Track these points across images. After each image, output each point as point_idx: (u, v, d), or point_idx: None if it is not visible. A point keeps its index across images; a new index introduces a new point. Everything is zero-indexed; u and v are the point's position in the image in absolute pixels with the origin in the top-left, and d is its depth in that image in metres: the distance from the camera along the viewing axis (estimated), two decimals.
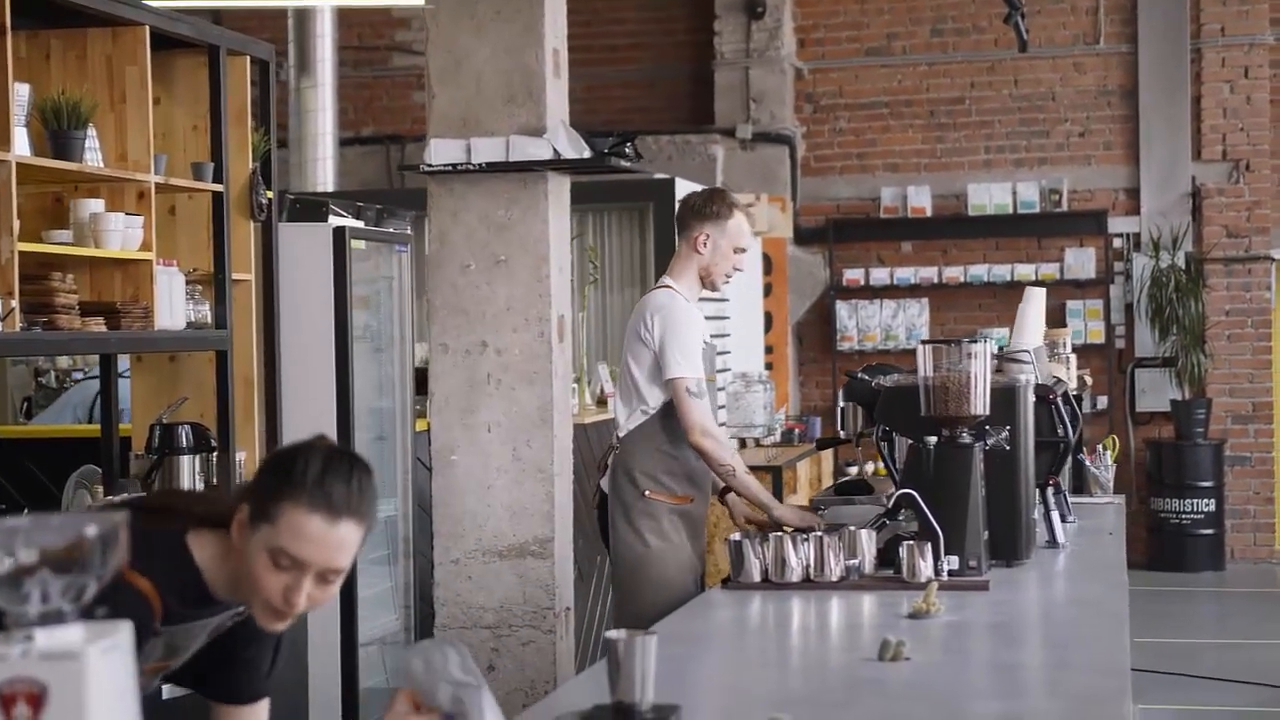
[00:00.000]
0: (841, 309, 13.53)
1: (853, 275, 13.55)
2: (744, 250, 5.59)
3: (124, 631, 1.83)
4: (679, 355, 5.33)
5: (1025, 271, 13.20)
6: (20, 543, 1.81)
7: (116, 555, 1.83)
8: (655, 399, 5.40)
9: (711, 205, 5.54)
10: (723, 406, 10.25)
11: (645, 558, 5.40)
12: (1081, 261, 13.25)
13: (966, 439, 4.59)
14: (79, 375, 8.84)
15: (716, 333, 10.44)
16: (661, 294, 5.52)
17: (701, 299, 8.98)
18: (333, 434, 6.57)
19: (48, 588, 1.82)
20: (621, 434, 5.50)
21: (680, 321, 5.38)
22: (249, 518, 2.72)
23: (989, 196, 13.35)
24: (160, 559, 2.76)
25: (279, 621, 2.77)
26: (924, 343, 4.66)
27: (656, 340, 5.36)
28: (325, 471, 2.69)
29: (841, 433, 5.35)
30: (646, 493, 5.42)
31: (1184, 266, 12.95)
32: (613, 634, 2.83)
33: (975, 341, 4.61)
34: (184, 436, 5.73)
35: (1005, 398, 4.75)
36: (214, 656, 2.95)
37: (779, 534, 4.50)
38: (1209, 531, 12.84)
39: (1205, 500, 12.81)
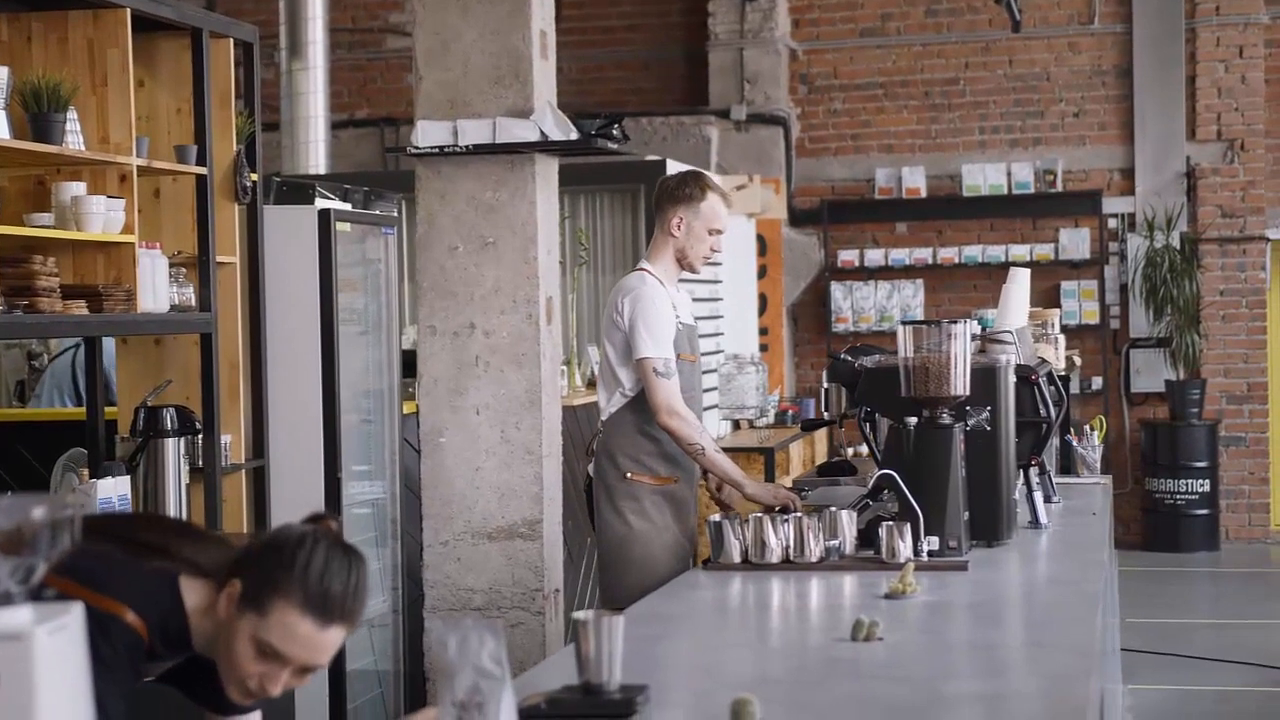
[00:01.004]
0: (836, 290, 13.53)
1: (847, 256, 13.54)
2: (719, 232, 5.57)
3: (74, 612, 1.84)
4: (646, 336, 5.36)
5: (1020, 252, 13.19)
6: None
7: (64, 538, 1.83)
8: (632, 382, 5.43)
9: (685, 188, 5.54)
10: (714, 389, 10.27)
11: (628, 539, 5.43)
12: (1076, 242, 13.24)
13: (947, 419, 4.60)
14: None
15: (709, 314, 10.46)
16: (633, 277, 5.54)
17: (695, 280, 9.01)
18: (319, 416, 6.59)
19: None
20: (603, 417, 5.53)
21: (648, 302, 5.40)
22: (240, 595, 2.69)
23: (983, 177, 13.34)
24: (153, 599, 2.74)
25: (248, 699, 2.75)
26: (904, 323, 4.67)
27: (626, 322, 5.40)
28: (325, 570, 2.68)
29: (825, 414, 5.34)
30: (628, 474, 5.45)
31: (1179, 247, 12.94)
32: (580, 615, 2.84)
33: (955, 323, 4.61)
34: (169, 419, 5.73)
35: (986, 378, 4.75)
36: (202, 664, 2.90)
37: (758, 515, 4.50)
38: (1204, 512, 12.85)
39: (1200, 481, 12.81)
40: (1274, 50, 13.27)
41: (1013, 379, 4.93)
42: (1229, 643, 9.51)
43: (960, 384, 4.58)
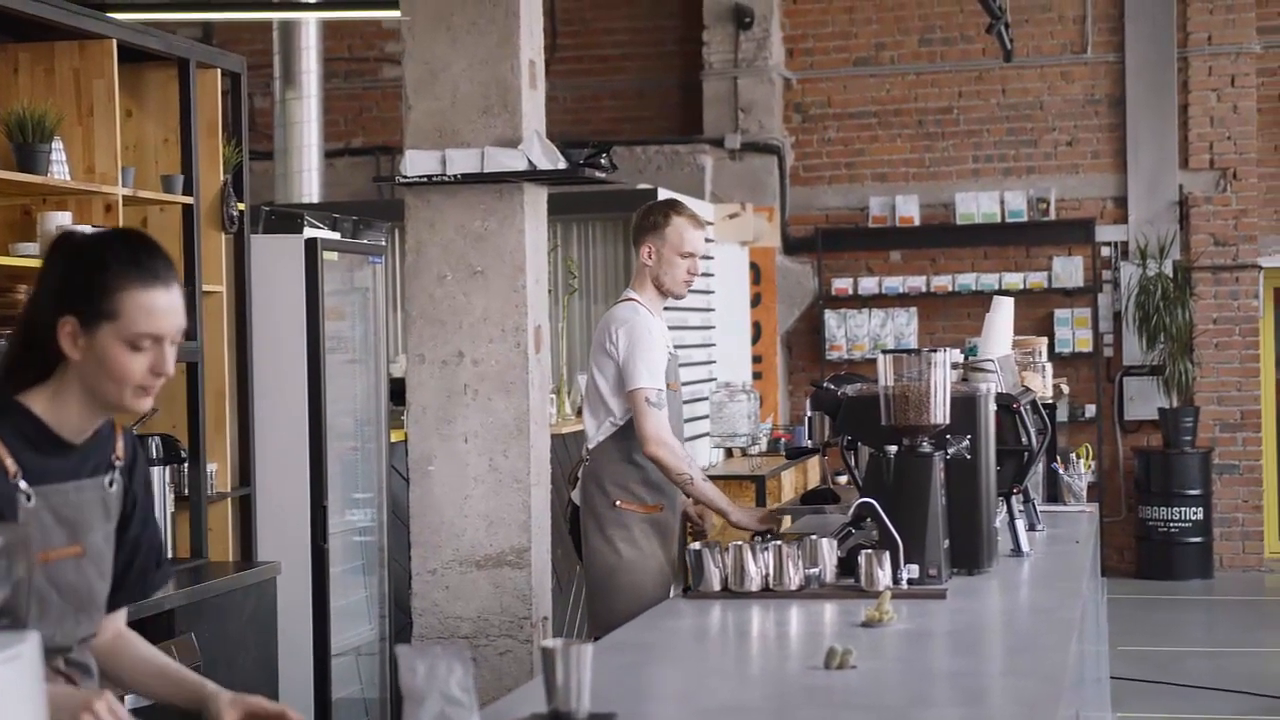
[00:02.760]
0: (830, 318, 13.55)
1: (841, 284, 13.57)
2: (691, 255, 5.64)
3: (29, 642, 1.85)
4: (642, 367, 5.43)
5: (1013, 280, 13.21)
6: None
7: (20, 566, 1.85)
8: (622, 411, 5.49)
9: (649, 217, 5.67)
10: (704, 417, 10.28)
11: (618, 567, 5.47)
12: (1069, 270, 13.26)
13: (926, 448, 4.61)
14: None
15: (701, 342, 10.48)
16: (624, 308, 5.61)
17: (688, 308, 9.02)
18: (305, 444, 6.60)
19: None
20: (591, 445, 5.59)
21: (642, 332, 5.49)
22: (80, 325, 2.80)
23: (977, 205, 13.37)
24: (3, 421, 2.82)
25: (145, 399, 2.86)
26: (884, 352, 4.68)
27: (621, 353, 5.47)
28: (132, 251, 2.83)
29: (808, 442, 5.37)
30: (617, 503, 5.52)
31: (1171, 275, 12.96)
32: (548, 643, 2.85)
33: (935, 351, 4.62)
34: (154, 448, 5.74)
35: (966, 407, 4.76)
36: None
37: (738, 543, 4.51)
38: (1197, 540, 12.85)
39: (1193, 508, 12.81)
40: (1266, 79, 13.31)
41: (993, 407, 4.94)
42: (1221, 670, 9.50)
43: (940, 413, 4.59)
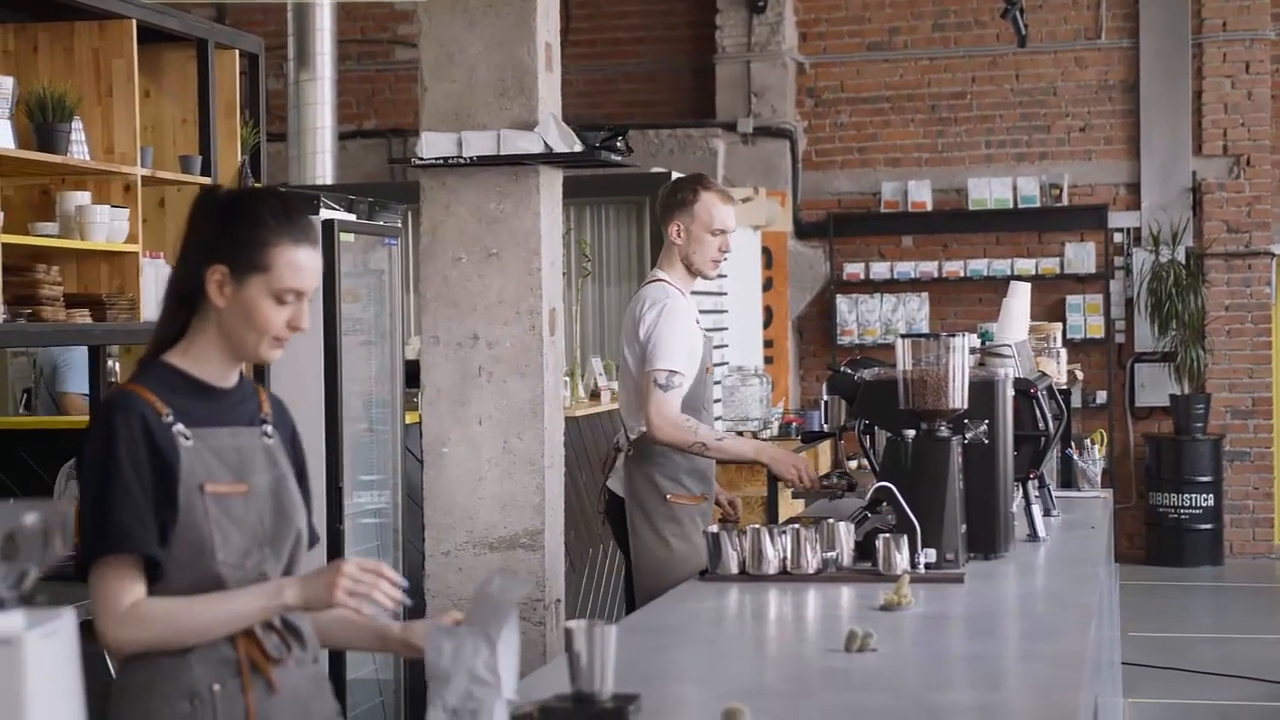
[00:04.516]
0: (842, 303, 13.55)
1: (853, 269, 13.56)
2: (722, 232, 5.50)
3: (65, 618, 1.86)
4: (659, 348, 5.33)
5: (1025, 266, 13.21)
6: None
7: (57, 543, 1.86)
8: None
9: (676, 194, 5.52)
10: (718, 400, 10.27)
11: (669, 562, 5.35)
12: (1081, 256, 13.25)
13: (944, 432, 4.61)
14: None
15: (714, 326, 10.48)
16: (654, 288, 5.49)
17: (700, 292, 9.01)
18: (321, 426, 6.61)
19: None
20: (633, 435, 5.45)
21: (670, 314, 5.36)
22: (229, 274, 2.94)
23: (989, 191, 13.36)
24: (147, 375, 2.99)
25: (277, 350, 3.02)
26: (903, 336, 4.67)
27: (645, 333, 5.36)
28: (285, 210, 2.98)
29: (824, 426, 5.35)
30: (669, 496, 5.39)
31: (1184, 261, 12.95)
32: (571, 624, 2.85)
33: (954, 336, 4.62)
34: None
35: (984, 391, 4.76)
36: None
37: (756, 526, 4.52)
38: (1207, 526, 12.85)
39: (1204, 495, 12.81)
40: None
41: (1011, 392, 4.94)
42: (1230, 657, 9.51)
43: (958, 397, 4.59)
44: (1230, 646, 10.00)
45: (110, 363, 6.50)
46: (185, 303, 3.00)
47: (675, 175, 10.32)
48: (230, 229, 2.96)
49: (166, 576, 2.92)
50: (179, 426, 2.94)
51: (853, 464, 10.86)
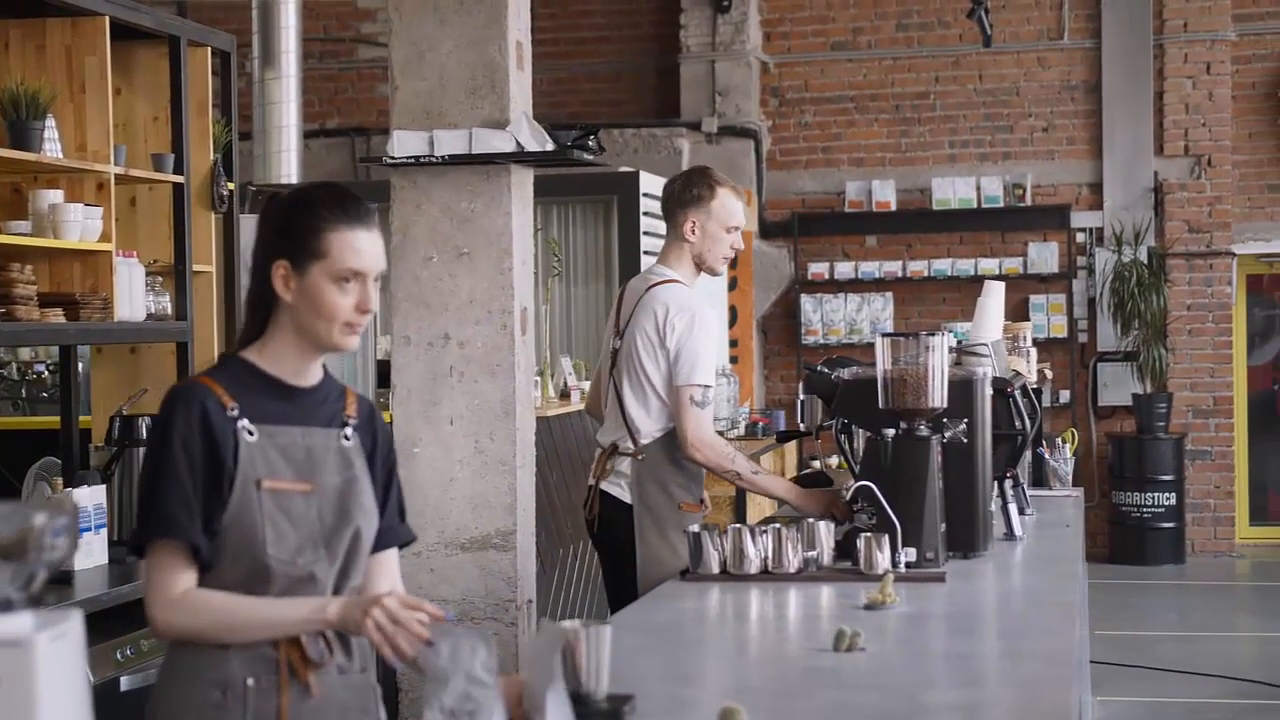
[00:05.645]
0: (806, 303, 13.57)
1: (817, 269, 13.58)
2: (736, 228, 5.30)
3: (74, 620, 1.84)
4: (694, 363, 5.11)
5: (989, 266, 13.25)
6: None
7: (64, 545, 1.84)
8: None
9: (690, 189, 5.28)
10: None
11: (674, 568, 5.14)
12: (1044, 256, 13.31)
13: (924, 431, 4.61)
14: (40, 368, 8.79)
15: None
16: (679, 292, 5.26)
17: None
18: None
19: None
20: (644, 440, 5.22)
21: (701, 324, 5.16)
22: (291, 267, 3.01)
23: (953, 191, 13.40)
24: (221, 369, 3.07)
25: (353, 336, 3.04)
26: (883, 335, 4.67)
27: (676, 343, 5.14)
28: (337, 198, 3.05)
29: (801, 426, 5.33)
30: (682, 505, 5.23)
31: (1146, 261, 13.02)
32: (567, 624, 2.85)
33: (933, 335, 4.63)
34: (144, 428, 5.70)
35: (963, 391, 4.77)
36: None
37: (737, 525, 4.51)
38: (1170, 525, 12.92)
39: (1166, 494, 12.88)
40: (1241, 66, 13.36)
41: (989, 391, 4.95)
42: (1195, 654, 9.56)
43: (938, 396, 4.60)
44: (1195, 644, 10.06)
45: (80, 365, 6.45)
46: (261, 305, 3.06)
47: (644, 174, 10.35)
48: (287, 225, 3.03)
49: (218, 566, 2.96)
50: (244, 421, 2.98)
51: (815, 463, 10.90)
